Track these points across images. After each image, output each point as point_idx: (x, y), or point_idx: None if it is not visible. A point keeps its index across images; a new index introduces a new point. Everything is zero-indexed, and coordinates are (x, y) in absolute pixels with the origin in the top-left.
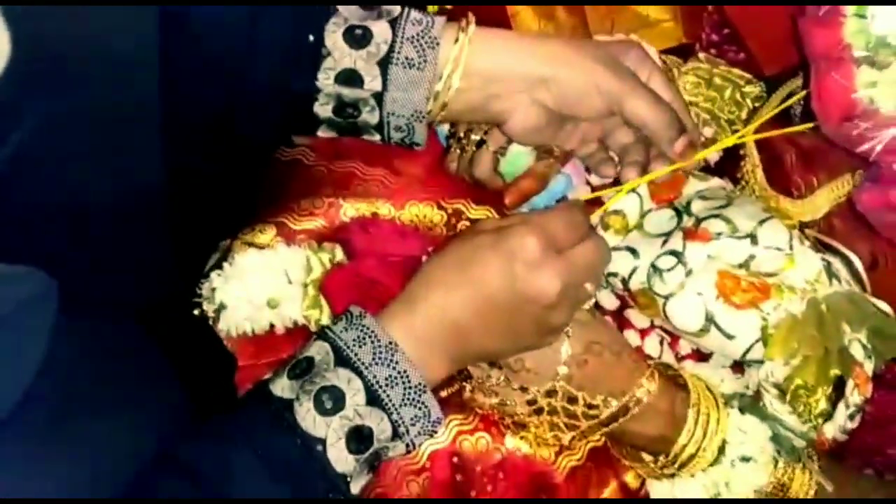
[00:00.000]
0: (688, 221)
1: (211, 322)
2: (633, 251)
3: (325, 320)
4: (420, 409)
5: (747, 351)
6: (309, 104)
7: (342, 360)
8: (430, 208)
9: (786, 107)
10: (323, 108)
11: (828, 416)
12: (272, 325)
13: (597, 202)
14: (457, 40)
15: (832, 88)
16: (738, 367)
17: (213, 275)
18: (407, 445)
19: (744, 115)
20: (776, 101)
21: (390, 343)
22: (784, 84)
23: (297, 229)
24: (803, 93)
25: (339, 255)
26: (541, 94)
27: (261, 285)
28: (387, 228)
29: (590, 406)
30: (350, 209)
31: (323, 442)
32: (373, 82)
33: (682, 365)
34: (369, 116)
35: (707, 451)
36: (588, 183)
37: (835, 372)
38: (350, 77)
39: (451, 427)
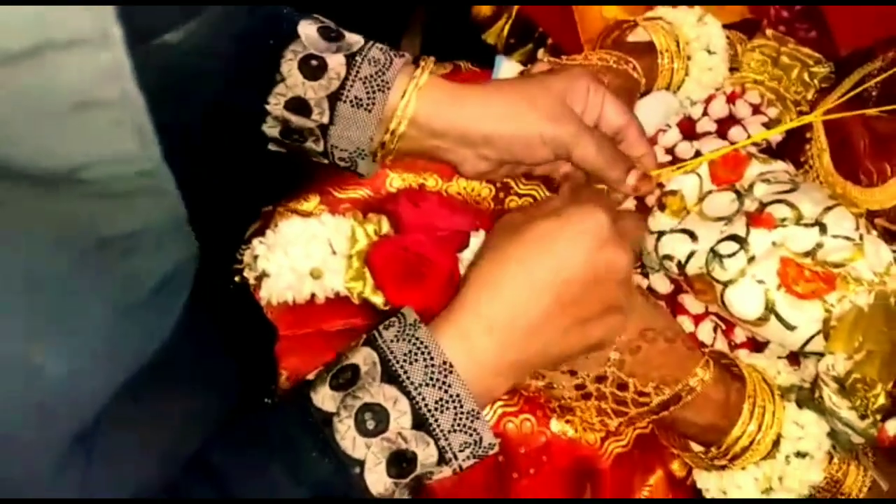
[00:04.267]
0: (751, 205)
1: (251, 289)
2: (692, 234)
3: (368, 293)
4: (471, 435)
5: (807, 342)
6: (257, 124)
7: (390, 376)
8: (479, 182)
9: (860, 90)
10: (270, 130)
11: (888, 412)
12: (313, 295)
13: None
14: (405, 91)
15: None
16: (794, 358)
17: (256, 242)
18: (454, 470)
19: (810, 96)
20: (849, 84)
21: (444, 363)
22: (857, 67)
23: (342, 198)
24: (883, 76)
25: (385, 226)
26: (485, 150)
27: (304, 255)
28: (435, 202)
29: (641, 393)
30: (397, 179)
31: (361, 464)
32: (321, 115)
33: (737, 354)
34: (314, 144)
35: (761, 445)
36: None
37: None
38: (299, 106)
39: (496, 408)
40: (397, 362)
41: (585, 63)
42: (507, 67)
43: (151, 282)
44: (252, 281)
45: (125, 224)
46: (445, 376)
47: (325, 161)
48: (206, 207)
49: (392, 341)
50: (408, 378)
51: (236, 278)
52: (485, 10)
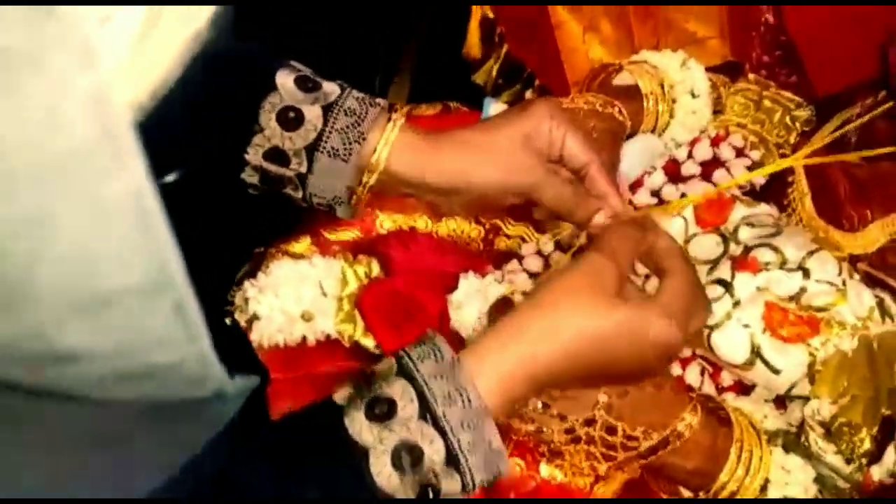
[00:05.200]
0: (736, 249)
1: (243, 331)
2: None
3: (359, 335)
4: (493, 473)
5: (792, 386)
6: (236, 173)
7: (430, 415)
8: (468, 223)
9: (840, 135)
10: (249, 178)
11: (872, 457)
12: (304, 338)
13: None
14: (379, 142)
15: None
16: (781, 402)
17: (247, 284)
18: (466, 495)
19: (792, 139)
20: (829, 129)
21: (483, 408)
22: (837, 112)
23: (332, 240)
24: (860, 120)
25: (376, 269)
26: (454, 200)
27: (295, 298)
28: (425, 244)
29: (629, 437)
30: (387, 221)
31: (394, 500)
32: (299, 165)
33: (724, 397)
34: (293, 192)
35: (748, 490)
36: (631, 203)
37: (884, 412)
38: (277, 156)
39: None
40: (437, 402)
41: (572, 106)
42: (494, 109)
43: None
44: (243, 323)
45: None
46: (481, 421)
47: (304, 205)
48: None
49: (431, 378)
50: (447, 421)
51: (227, 320)
52: (474, 51)
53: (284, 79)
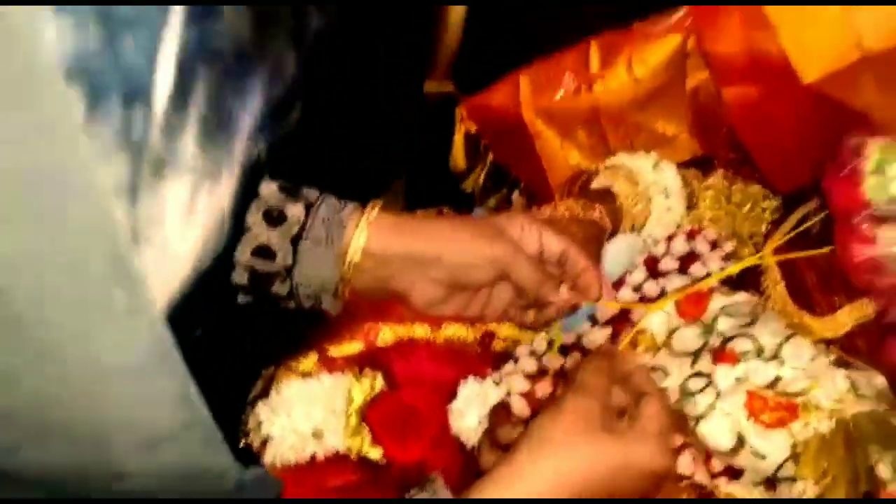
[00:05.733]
0: (715, 340)
1: (256, 452)
2: (664, 370)
3: (366, 448)
4: None
5: (779, 468)
6: (227, 274)
7: None
8: (464, 329)
9: (803, 229)
10: (239, 278)
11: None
12: (314, 455)
13: (624, 318)
14: (357, 225)
15: (855, 245)
16: (771, 483)
17: (259, 405)
18: None
19: (763, 228)
20: (793, 222)
21: None
22: (801, 204)
23: (336, 356)
24: (819, 216)
25: (380, 382)
26: (432, 272)
27: (306, 416)
28: (424, 355)
29: None
30: (388, 332)
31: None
32: (284, 258)
33: (717, 483)
34: (280, 287)
35: None
36: (616, 300)
37: (864, 489)
38: (264, 251)
39: None
40: None
41: (555, 215)
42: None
43: None
44: (256, 444)
45: None
46: None
47: (292, 304)
48: (206, 371)
49: None
50: None
51: (241, 442)
52: (460, 162)
53: (267, 187)
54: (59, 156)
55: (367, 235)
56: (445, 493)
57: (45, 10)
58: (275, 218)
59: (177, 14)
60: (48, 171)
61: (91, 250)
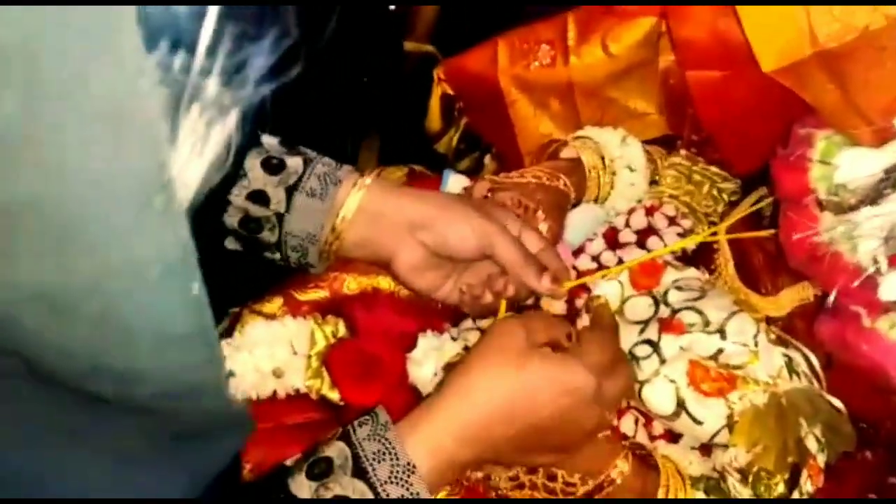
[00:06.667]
0: (664, 311)
1: None
2: None
3: (326, 390)
4: None
5: (714, 435)
6: (220, 213)
7: (359, 471)
8: None
9: (755, 210)
10: (230, 219)
11: (785, 500)
12: (275, 392)
13: (581, 287)
14: (355, 184)
15: (797, 229)
16: (706, 449)
17: (224, 343)
18: None
19: (720, 208)
20: (747, 204)
21: (409, 464)
22: (757, 188)
23: (302, 300)
24: (770, 200)
25: (342, 329)
26: (422, 236)
27: (268, 356)
28: (387, 305)
29: (568, 483)
30: (353, 283)
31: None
32: (278, 205)
33: (656, 445)
34: (269, 234)
35: None
36: (574, 268)
37: (792, 460)
38: (259, 196)
39: (438, 497)
40: (367, 460)
41: (521, 180)
42: (453, 180)
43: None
44: None
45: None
46: (408, 476)
47: (278, 255)
48: None
49: (364, 440)
50: (375, 475)
51: None
52: (435, 124)
53: (269, 138)
54: (121, 84)
55: (363, 193)
56: (387, 418)
57: None
58: (273, 166)
59: None
60: (110, 95)
61: (139, 159)
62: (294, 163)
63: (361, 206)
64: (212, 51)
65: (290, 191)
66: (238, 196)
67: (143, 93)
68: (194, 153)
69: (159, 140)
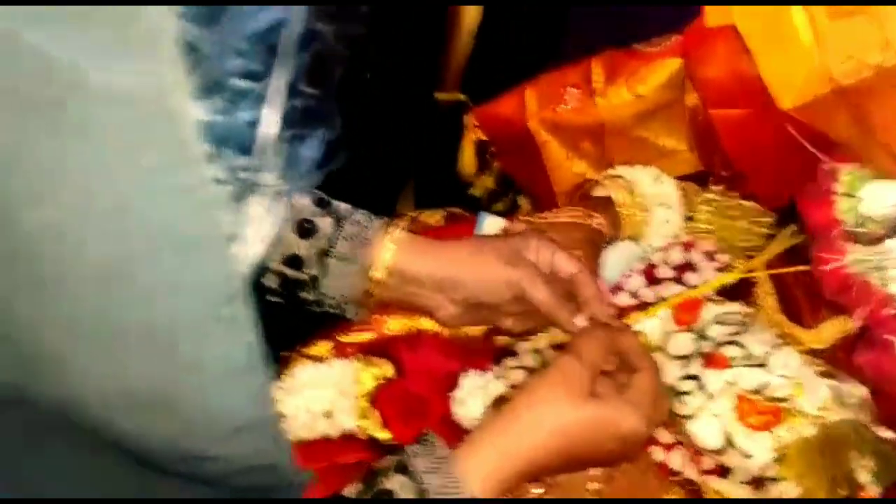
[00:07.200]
0: (706, 346)
1: None
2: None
3: (375, 430)
4: None
5: (764, 469)
6: (258, 278)
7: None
8: None
9: (794, 245)
10: (269, 282)
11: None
12: (325, 434)
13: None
14: (384, 244)
15: (826, 262)
16: (758, 482)
17: (275, 386)
18: None
19: (758, 242)
20: (784, 237)
21: (473, 499)
22: (791, 221)
23: (347, 342)
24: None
25: (388, 369)
26: (454, 294)
27: (318, 398)
28: (430, 345)
29: None
30: (395, 323)
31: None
32: (312, 269)
33: (705, 479)
34: (307, 294)
35: None
36: (612, 304)
37: (842, 493)
38: (294, 261)
39: None
40: (433, 492)
41: (555, 220)
42: (489, 223)
43: None
44: None
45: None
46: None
47: (317, 309)
48: None
49: (425, 473)
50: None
51: None
52: (468, 168)
53: (301, 199)
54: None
55: (391, 255)
56: (441, 446)
57: None
58: (306, 230)
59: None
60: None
61: (208, 274)
62: (325, 224)
63: (391, 269)
64: (266, 151)
65: (323, 255)
66: (274, 260)
67: (211, 209)
68: (255, 238)
69: (226, 255)
